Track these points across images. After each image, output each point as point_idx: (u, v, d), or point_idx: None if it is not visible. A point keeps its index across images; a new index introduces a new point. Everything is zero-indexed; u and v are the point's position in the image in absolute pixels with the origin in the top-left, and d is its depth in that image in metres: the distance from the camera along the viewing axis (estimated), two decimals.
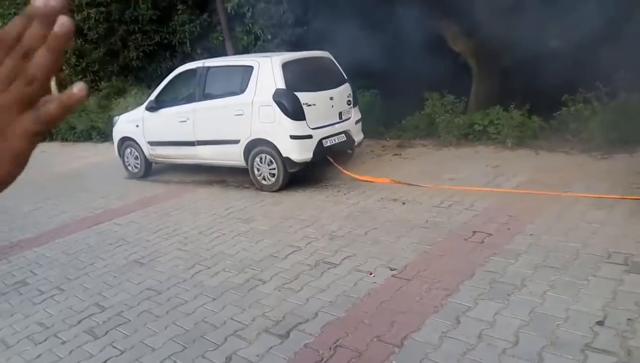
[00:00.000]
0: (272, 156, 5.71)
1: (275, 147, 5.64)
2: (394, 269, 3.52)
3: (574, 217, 4.11)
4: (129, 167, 7.41)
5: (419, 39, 8.17)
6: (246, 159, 5.93)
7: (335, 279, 3.49)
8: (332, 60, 6.43)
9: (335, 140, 5.96)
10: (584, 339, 2.53)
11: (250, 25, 9.98)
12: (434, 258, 3.63)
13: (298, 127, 5.56)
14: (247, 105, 5.73)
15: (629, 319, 2.65)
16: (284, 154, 5.60)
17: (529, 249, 3.60)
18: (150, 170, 7.33)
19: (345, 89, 6.29)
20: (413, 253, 3.75)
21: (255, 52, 9.70)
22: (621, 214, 4.05)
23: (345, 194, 5.42)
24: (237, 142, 5.90)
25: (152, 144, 6.93)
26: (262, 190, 5.88)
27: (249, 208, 5.33)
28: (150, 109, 6.77)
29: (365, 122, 8.40)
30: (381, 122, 8.39)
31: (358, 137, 6.46)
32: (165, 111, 6.65)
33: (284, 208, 5.21)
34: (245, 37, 10.06)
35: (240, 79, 5.89)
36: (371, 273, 3.50)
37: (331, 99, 6.00)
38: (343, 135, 6.10)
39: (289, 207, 5.20)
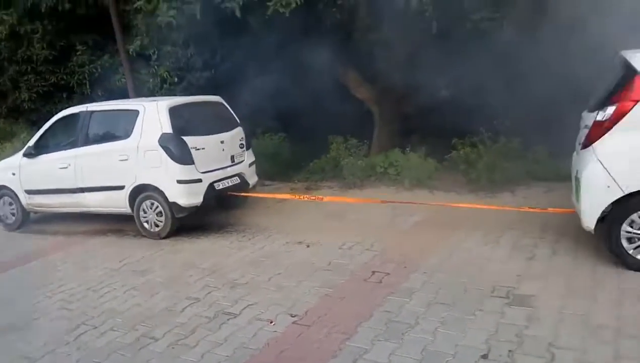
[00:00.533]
0: (158, 202, 5.59)
1: (162, 192, 5.53)
2: (294, 315, 3.48)
3: (463, 253, 4.38)
4: (4, 219, 6.84)
5: (326, 85, 8.52)
6: (132, 205, 5.75)
7: (234, 331, 3.37)
8: (224, 105, 6.52)
9: (228, 183, 5.98)
10: None
11: (155, 67, 9.79)
12: (335, 302, 3.65)
13: (185, 171, 5.51)
14: (132, 150, 5.61)
15: (509, 350, 2.83)
16: (171, 199, 5.50)
17: (423, 287, 3.76)
18: (27, 220, 6.80)
19: (237, 133, 6.37)
20: (315, 297, 3.75)
21: (162, 95, 9.49)
22: (505, 249, 4.39)
23: (250, 239, 5.34)
24: (121, 188, 5.73)
25: (29, 192, 6.50)
26: (149, 238, 5.70)
27: (146, 258, 5.05)
28: (28, 155, 6.40)
29: (274, 165, 8.49)
30: (290, 165, 8.50)
31: (252, 179, 6.52)
32: (44, 158, 6.31)
33: (184, 256, 5.00)
34: (151, 80, 9.83)
35: (125, 124, 5.78)
36: (272, 322, 3.43)
37: (222, 142, 6.03)
38: (236, 177, 6.14)
39: (190, 255, 5.00)
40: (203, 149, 5.72)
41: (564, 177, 6.29)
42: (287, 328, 3.32)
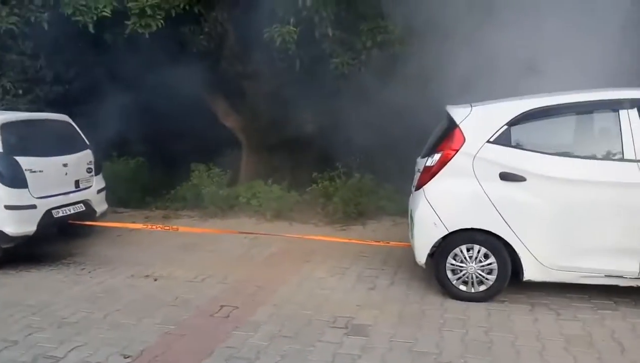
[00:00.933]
0: None
1: None
2: (128, 357, 3.22)
3: (311, 284, 4.51)
4: None
5: (192, 111, 8.33)
6: None
7: None
8: (72, 125, 6.02)
9: (70, 211, 5.49)
10: None
11: None
12: (175, 339, 3.48)
13: (16, 196, 4.97)
14: None
15: None
16: None
17: (269, 320, 3.77)
18: None
19: (85, 156, 5.91)
20: (154, 335, 3.53)
21: (2, 107, 8.41)
22: (350, 281, 4.63)
23: (90, 272, 4.89)
24: None
25: None
26: None
27: None
28: None
29: (130, 191, 7.96)
30: (148, 192, 8.06)
31: (100, 207, 6.04)
32: None
33: (6, 292, 4.39)
34: None
35: None
36: None
37: (65, 165, 5.56)
38: (81, 204, 5.67)
39: (15, 291, 4.41)
40: (41, 171, 5.20)
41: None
42: None
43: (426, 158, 4.21)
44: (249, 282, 4.59)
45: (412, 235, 4.30)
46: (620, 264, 3.69)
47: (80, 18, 6.18)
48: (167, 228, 5.62)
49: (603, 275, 3.75)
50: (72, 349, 3.33)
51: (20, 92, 8.78)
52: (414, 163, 7.27)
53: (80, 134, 6.02)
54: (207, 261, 5.19)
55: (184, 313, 3.91)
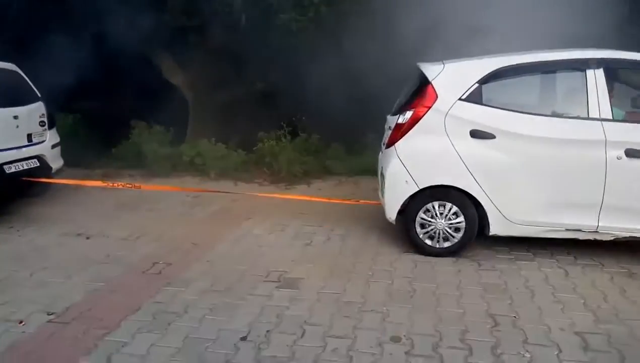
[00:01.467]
0: None
1: None
2: (51, 313, 3.17)
3: (249, 241, 4.54)
4: None
5: (136, 66, 7.97)
6: None
7: None
8: (20, 74, 5.64)
9: (22, 166, 5.21)
10: (226, 356, 2.75)
11: None
12: (103, 296, 3.44)
13: None
14: None
15: (267, 331, 3.01)
16: None
17: (202, 276, 3.78)
18: None
19: (37, 108, 5.59)
20: (81, 292, 3.47)
21: None
22: (288, 237, 4.69)
23: (18, 230, 4.72)
24: None
25: None
26: None
27: None
28: None
29: (68, 149, 7.63)
30: (87, 150, 7.75)
31: (56, 163, 5.78)
32: None
33: None
34: None
35: None
36: (21, 322, 3.07)
37: (15, 118, 5.24)
38: (35, 160, 5.39)
39: None
40: None
41: (356, 172, 7.03)
42: (39, 328, 3.01)
43: (397, 115, 4.16)
44: (186, 239, 4.56)
45: (382, 192, 4.28)
46: (580, 219, 3.84)
47: None
48: (129, 185, 5.35)
49: (564, 229, 3.89)
50: None
51: None
52: (363, 123, 7.35)
53: (30, 85, 5.67)
54: (144, 220, 5.11)
55: (115, 270, 3.86)
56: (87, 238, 4.57)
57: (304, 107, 7.88)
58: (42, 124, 5.62)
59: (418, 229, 4.12)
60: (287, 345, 2.84)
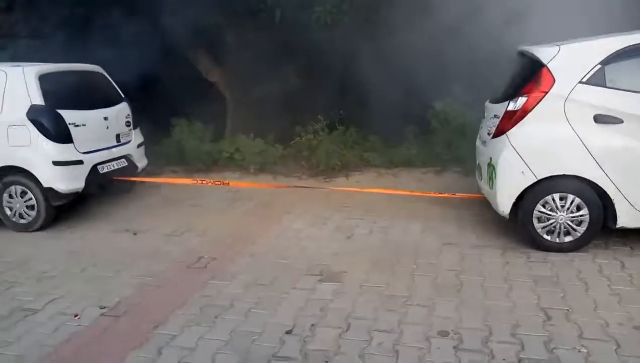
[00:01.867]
0: (28, 187, 4.81)
1: (33, 176, 4.75)
2: (104, 307, 3.28)
3: (290, 235, 4.56)
4: None
5: (173, 65, 8.13)
6: None
7: (31, 327, 3.07)
8: (105, 76, 5.78)
9: (113, 166, 5.36)
10: (272, 350, 2.77)
11: None
12: (151, 290, 3.54)
13: (63, 151, 4.80)
14: None
15: (312, 324, 3.01)
16: (46, 184, 4.75)
17: (246, 269, 3.82)
18: None
19: (122, 109, 5.70)
20: (130, 287, 3.58)
21: None
22: (329, 230, 4.67)
23: (70, 228, 4.92)
24: None
25: None
26: (13, 230, 4.88)
27: None
28: None
29: None
30: None
31: (141, 162, 5.90)
32: None
33: None
34: None
35: None
36: (77, 315, 3.19)
37: (105, 119, 5.37)
38: (123, 159, 5.53)
39: None
40: (84, 125, 5.00)
41: (395, 164, 6.93)
42: (93, 322, 3.12)
43: (506, 102, 3.94)
44: (229, 234, 4.63)
45: (491, 185, 4.04)
46: None
47: None
48: (219, 183, 5.40)
49: None
50: (49, 302, 3.39)
51: None
52: (401, 114, 7.23)
53: (114, 86, 5.81)
54: (189, 216, 5.21)
55: (162, 265, 3.96)
56: (135, 234, 4.71)
57: (342, 100, 7.83)
58: (127, 124, 5.73)
59: (535, 223, 3.85)
60: (332, 339, 2.83)
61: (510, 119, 3.86)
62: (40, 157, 4.75)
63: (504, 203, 3.94)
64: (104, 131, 5.36)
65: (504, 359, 2.59)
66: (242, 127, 8.22)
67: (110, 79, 5.88)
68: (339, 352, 2.72)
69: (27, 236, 4.78)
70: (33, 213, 4.87)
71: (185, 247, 4.35)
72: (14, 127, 4.73)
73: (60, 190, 4.82)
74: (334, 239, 4.44)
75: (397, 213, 5.00)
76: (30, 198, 4.85)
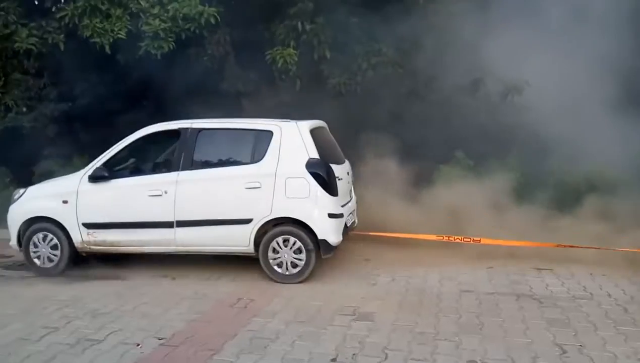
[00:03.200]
0: (300, 239, 4.81)
1: (308, 227, 4.79)
2: (162, 338, 3.61)
3: (318, 281, 4.93)
4: (39, 261, 5.27)
5: None
6: (257, 243, 4.92)
7: (98, 354, 3.38)
8: (329, 132, 5.81)
9: (350, 220, 5.35)
10: None
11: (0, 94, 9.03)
12: (202, 325, 3.87)
13: (335, 204, 4.89)
14: (268, 177, 4.84)
15: (353, 354, 3.37)
16: (321, 236, 4.76)
17: (284, 309, 4.19)
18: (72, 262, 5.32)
19: (348, 165, 5.79)
20: (181, 322, 3.92)
21: (5, 124, 8.77)
22: (353, 278, 5.06)
23: (111, 273, 5.25)
24: (248, 221, 4.87)
25: (91, 226, 5.15)
26: (280, 282, 4.86)
27: None
28: (97, 178, 5.13)
29: None
30: None
31: (355, 216, 5.77)
32: (122, 182, 5.21)
33: (38, 290, 4.74)
34: None
35: (251, 146, 5.04)
36: (138, 345, 3.51)
37: (348, 173, 5.57)
38: (352, 214, 5.53)
39: (44, 289, 4.76)
40: (340, 179, 5.10)
41: None
42: (154, 350, 3.45)
43: None
44: (262, 279, 4.97)
45: None
46: None
47: (97, 40, 6.63)
48: (468, 239, 5.23)
49: None
50: (110, 333, 3.71)
51: (24, 109, 9.16)
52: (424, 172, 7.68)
53: (334, 141, 5.81)
54: (220, 262, 5.51)
55: (205, 305, 4.31)
56: (173, 279, 5.06)
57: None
58: (351, 179, 5.82)
59: None
60: None
61: None
62: (317, 209, 4.79)
63: None
64: (346, 185, 5.45)
65: None
66: None
67: (330, 135, 5.83)
68: None
69: (75, 279, 5.10)
70: (298, 266, 4.84)
71: (223, 290, 4.71)
72: (292, 179, 4.81)
73: (332, 242, 4.82)
74: (359, 286, 4.81)
75: (417, 264, 5.41)
76: (298, 251, 4.82)
